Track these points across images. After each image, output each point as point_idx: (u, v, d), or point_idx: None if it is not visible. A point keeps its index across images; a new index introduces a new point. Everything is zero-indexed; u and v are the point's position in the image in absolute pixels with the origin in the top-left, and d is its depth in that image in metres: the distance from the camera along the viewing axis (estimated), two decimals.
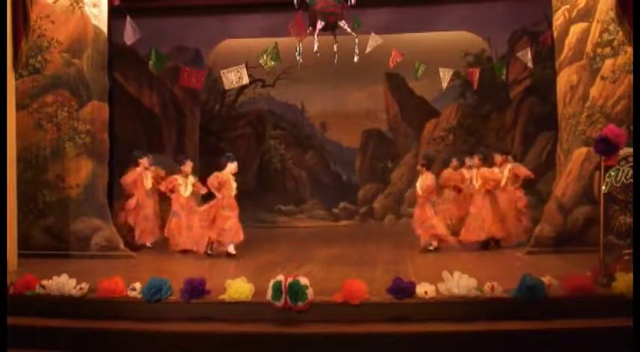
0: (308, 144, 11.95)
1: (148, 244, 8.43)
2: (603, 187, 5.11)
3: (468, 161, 8.58)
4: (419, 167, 8.06)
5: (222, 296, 4.75)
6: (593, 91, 7.10)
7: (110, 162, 8.01)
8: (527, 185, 8.71)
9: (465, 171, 8.55)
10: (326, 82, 11.29)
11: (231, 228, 7.44)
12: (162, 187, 8.24)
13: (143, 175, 8.42)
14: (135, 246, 8.12)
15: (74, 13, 7.55)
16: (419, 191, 7.90)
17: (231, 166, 7.60)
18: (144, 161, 8.44)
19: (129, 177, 8.44)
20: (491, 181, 7.83)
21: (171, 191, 8.16)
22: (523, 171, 8.32)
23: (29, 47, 7.16)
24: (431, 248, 7.77)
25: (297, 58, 6.55)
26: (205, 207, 7.63)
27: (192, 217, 7.90)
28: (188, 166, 8.15)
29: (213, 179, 7.53)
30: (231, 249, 7.43)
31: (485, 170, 7.95)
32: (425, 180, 7.87)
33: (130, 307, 4.85)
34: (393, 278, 4.79)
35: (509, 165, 8.42)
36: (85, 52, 7.60)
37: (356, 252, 7.82)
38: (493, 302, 4.66)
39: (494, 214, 7.76)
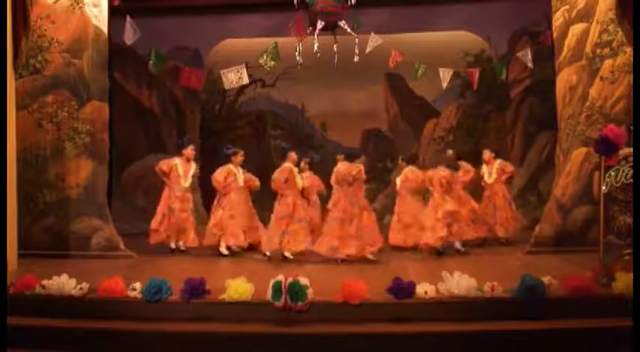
0: (308, 144, 11.94)
1: (289, 255, 7.13)
2: (603, 187, 5.12)
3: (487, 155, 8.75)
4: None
5: (222, 296, 4.75)
6: (593, 92, 7.10)
7: (110, 162, 8.01)
8: (528, 185, 8.75)
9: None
10: (326, 82, 11.29)
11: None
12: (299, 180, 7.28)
13: (294, 172, 7.46)
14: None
15: (74, 13, 7.56)
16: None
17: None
18: (293, 155, 7.53)
19: (282, 175, 7.30)
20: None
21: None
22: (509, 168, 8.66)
23: (29, 47, 7.15)
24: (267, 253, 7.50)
25: (297, 58, 6.56)
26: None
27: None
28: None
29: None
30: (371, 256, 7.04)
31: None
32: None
33: (130, 307, 4.85)
34: (393, 279, 4.79)
35: (498, 162, 8.61)
36: (85, 52, 7.61)
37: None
38: (493, 302, 4.67)
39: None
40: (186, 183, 8.03)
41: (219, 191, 7.79)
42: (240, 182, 7.84)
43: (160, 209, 7.96)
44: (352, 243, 6.85)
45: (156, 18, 9.98)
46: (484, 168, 8.67)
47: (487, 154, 8.74)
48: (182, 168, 8.00)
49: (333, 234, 6.91)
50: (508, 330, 4.41)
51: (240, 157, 7.91)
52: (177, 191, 7.92)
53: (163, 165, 7.99)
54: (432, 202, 7.57)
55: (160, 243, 7.95)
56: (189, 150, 8.17)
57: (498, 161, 8.71)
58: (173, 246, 7.98)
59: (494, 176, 8.55)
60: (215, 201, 7.90)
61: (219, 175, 7.76)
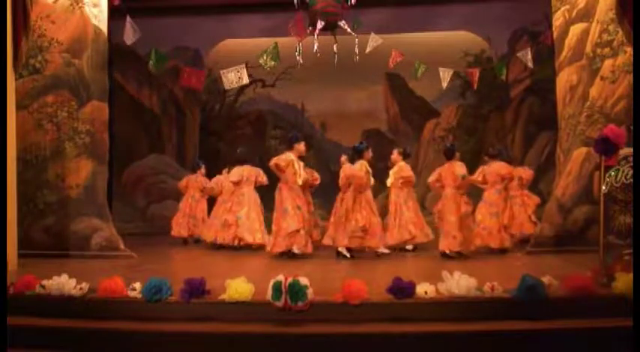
0: (308, 144, 11.92)
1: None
2: (603, 187, 5.11)
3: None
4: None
5: (222, 296, 4.75)
6: (593, 91, 7.10)
7: (110, 162, 8.01)
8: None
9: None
10: (326, 82, 11.29)
11: None
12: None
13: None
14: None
15: (74, 13, 7.56)
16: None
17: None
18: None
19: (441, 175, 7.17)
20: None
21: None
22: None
23: (29, 47, 7.15)
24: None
25: (297, 58, 6.56)
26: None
27: None
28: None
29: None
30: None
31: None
32: None
33: (130, 307, 4.85)
34: (393, 278, 4.79)
35: (400, 164, 8.06)
36: (85, 52, 7.61)
37: (356, 252, 7.80)
38: (493, 302, 4.66)
39: None
40: (301, 180, 7.37)
41: (358, 188, 7.20)
42: (371, 179, 7.40)
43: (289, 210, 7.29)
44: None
45: (156, 18, 10.00)
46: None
47: (395, 154, 8.15)
48: (297, 165, 7.40)
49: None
50: (508, 330, 4.40)
51: (371, 153, 7.44)
52: (294, 188, 7.35)
53: (280, 160, 7.31)
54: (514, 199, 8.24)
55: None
56: (302, 146, 7.51)
57: (401, 163, 8.03)
58: (298, 250, 7.25)
59: (391, 179, 8.00)
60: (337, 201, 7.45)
61: (360, 171, 7.19)
